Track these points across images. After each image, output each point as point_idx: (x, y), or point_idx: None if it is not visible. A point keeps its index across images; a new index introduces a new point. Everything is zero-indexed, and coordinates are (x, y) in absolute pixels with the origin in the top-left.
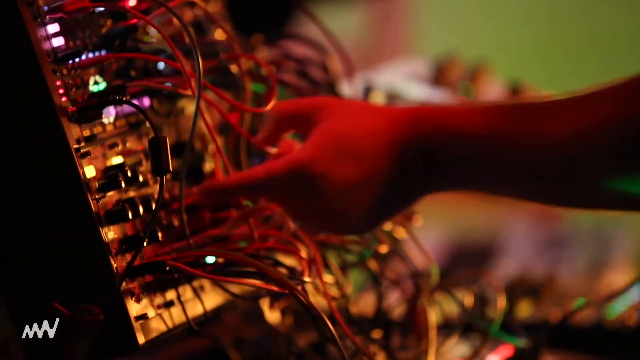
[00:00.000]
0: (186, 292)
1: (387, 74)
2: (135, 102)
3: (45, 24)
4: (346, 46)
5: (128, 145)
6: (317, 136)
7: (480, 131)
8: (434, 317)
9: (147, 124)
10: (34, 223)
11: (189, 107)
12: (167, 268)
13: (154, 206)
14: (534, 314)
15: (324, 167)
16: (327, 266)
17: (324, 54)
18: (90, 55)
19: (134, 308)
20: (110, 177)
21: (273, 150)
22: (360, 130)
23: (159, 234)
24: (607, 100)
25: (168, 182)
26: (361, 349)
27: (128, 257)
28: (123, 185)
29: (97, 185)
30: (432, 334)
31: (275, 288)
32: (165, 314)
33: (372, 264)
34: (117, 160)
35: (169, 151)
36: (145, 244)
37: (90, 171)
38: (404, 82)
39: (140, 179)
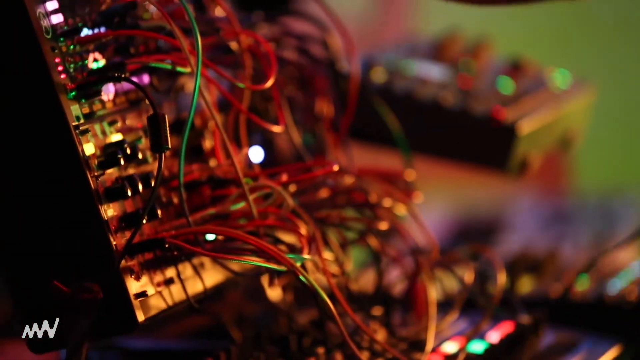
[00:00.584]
0: (186, 269)
1: (389, 50)
2: (134, 79)
3: (43, 1)
4: (350, 24)
5: (128, 122)
6: None
7: None
8: (434, 293)
9: (147, 101)
10: (33, 201)
11: (189, 84)
12: (167, 245)
13: (153, 183)
14: (535, 289)
15: None
16: (327, 243)
17: (324, 30)
18: (90, 32)
19: (133, 286)
20: (109, 155)
21: (274, 128)
22: None
23: (159, 212)
24: None
25: (168, 159)
26: (361, 326)
27: (127, 234)
28: (122, 162)
29: (96, 162)
30: (432, 310)
31: (274, 265)
32: (165, 292)
33: (372, 241)
34: (116, 137)
35: (167, 128)
36: (144, 221)
37: (89, 148)
38: (405, 57)
39: (140, 156)
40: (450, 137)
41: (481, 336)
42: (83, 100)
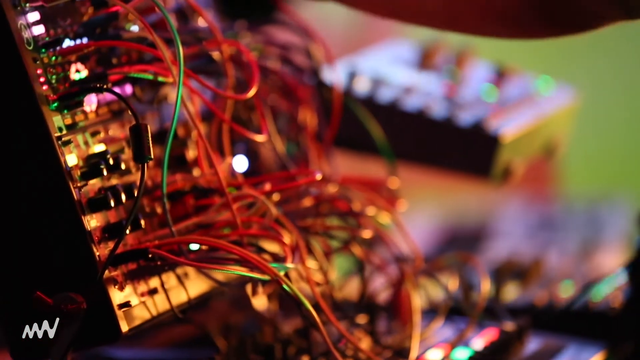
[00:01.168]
0: (170, 279)
1: (372, 58)
2: (116, 89)
3: (25, 12)
4: (335, 32)
5: (110, 132)
6: None
7: None
8: (418, 301)
9: (129, 112)
10: (15, 211)
11: (172, 94)
12: (150, 256)
13: (136, 194)
14: (520, 297)
15: None
16: (311, 252)
17: (307, 39)
18: (71, 43)
19: (117, 296)
20: (92, 165)
21: (257, 138)
22: None
23: (142, 222)
24: None
25: (151, 169)
26: (345, 334)
27: (111, 245)
28: (105, 173)
29: (79, 173)
30: (417, 318)
31: (258, 275)
32: (149, 302)
33: (357, 250)
34: (99, 148)
35: (150, 138)
36: (127, 231)
37: (71, 159)
38: (389, 66)
39: (123, 166)
40: (435, 145)
41: (465, 343)
42: (65, 111)
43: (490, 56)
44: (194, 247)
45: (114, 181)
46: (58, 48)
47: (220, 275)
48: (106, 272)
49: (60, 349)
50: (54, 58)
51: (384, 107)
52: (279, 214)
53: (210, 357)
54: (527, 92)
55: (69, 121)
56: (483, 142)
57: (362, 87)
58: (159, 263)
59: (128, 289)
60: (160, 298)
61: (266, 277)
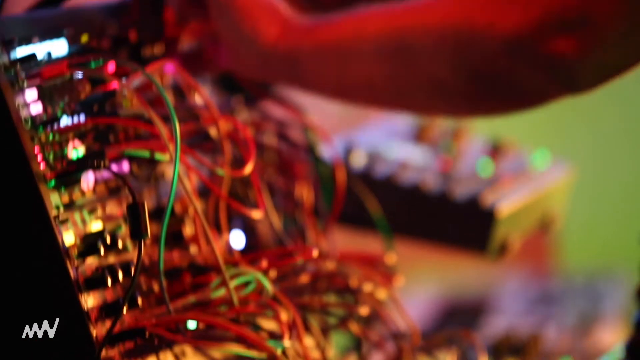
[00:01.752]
0: (167, 357)
1: (369, 132)
2: (114, 167)
3: (23, 91)
4: (331, 106)
5: (108, 210)
6: None
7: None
8: None
9: (127, 189)
10: (12, 290)
11: (169, 171)
12: (147, 334)
13: (133, 272)
14: None
15: None
16: (308, 329)
17: (303, 115)
18: (69, 120)
19: None
20: (89, 244)
21: (254, 214)
22: None
23: (139, 300)
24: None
25: (148, 247)
26: None
27: (108, 323)
28: (102, 252)
29: (76, 252)
30: None
31: (256, 353)
32: None
33: (354, 327)
34: (96, 226)
35: (147, 216)
36: (125, 310)
37: (69, 238)
38: (386, 140)
39: (120, 244)
40: (431, 220)
41: None
42: (63, 189)
43: (485, 130)
44: (192, 325)
45: (111, 259)
46: (56, 126)
47: (217, 353)
48: (103, 351)
49: None
50: (51, 136)
51: (381, 182)
52: (276, 291)
53: None
54: (523, 167)
55: (66, 199)
56: (479, 217)
57: (358, 162)
58: (156, 341)
59: None
60: None
61: (263, 356)
